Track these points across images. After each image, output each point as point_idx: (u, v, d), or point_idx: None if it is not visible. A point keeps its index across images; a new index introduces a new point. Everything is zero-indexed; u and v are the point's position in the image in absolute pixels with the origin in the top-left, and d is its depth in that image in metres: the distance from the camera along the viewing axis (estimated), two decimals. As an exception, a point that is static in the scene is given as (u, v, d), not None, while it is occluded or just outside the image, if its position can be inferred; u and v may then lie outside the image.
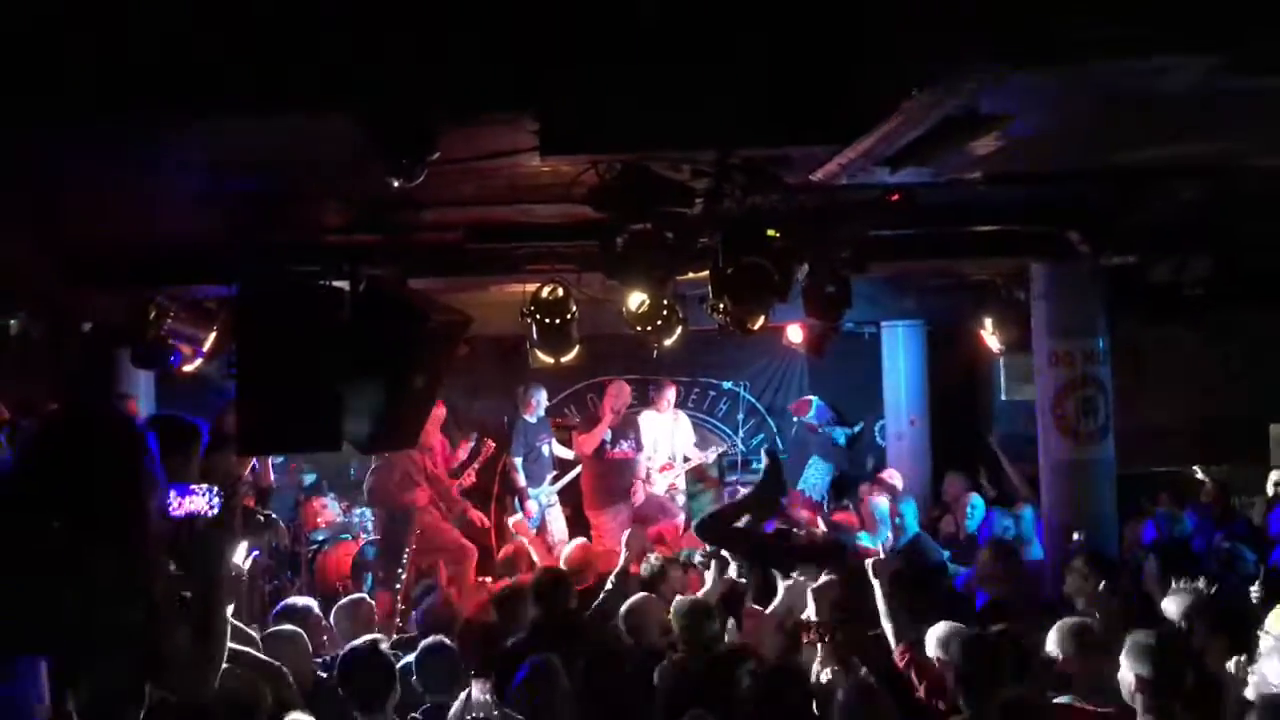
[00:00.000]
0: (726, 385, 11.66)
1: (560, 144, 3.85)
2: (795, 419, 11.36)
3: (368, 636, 4.91)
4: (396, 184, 3.55)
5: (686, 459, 10.76)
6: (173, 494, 3.08)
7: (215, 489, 3.12)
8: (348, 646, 4.90)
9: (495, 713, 4.34)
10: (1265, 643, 4.52)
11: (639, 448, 10.27)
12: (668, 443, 10.60)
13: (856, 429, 11.69)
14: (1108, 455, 7.24)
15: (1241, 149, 4.19)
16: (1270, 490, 9.22)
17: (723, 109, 3.75)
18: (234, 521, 3.10)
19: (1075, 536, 6.93)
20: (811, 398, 11.47)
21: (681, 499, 10.54)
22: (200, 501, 3.10)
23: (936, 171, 3.97)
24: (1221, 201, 6.05)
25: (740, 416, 11.56)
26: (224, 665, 3.41)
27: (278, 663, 4.41)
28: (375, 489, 8.82)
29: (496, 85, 3.48)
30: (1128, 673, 4.04)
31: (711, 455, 11.04)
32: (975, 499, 9.15)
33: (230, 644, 4.09)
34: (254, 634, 4.87)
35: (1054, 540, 7.23)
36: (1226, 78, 3.08)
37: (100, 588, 2.74)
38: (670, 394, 10.69)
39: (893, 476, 9.95)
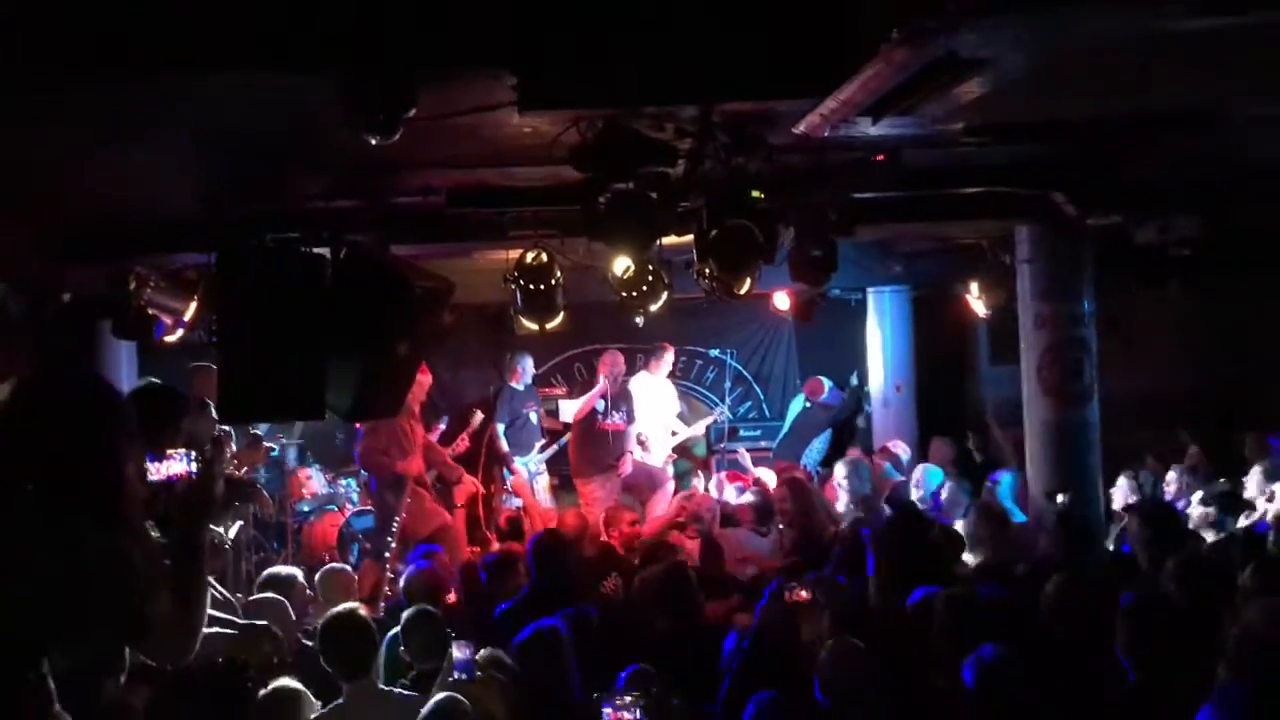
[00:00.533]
0: (713, 353, 11.63)
1: (539, 100, 3.80)
2: (808, 401, 11.33)
3: (348, 603, 4.87)
4: (374, 141, 3.49)
5: (674, 433, 10.76)
6: (150, 459, 3.05)
7: (193, 454, 3.09)
8: (328, 613, 4.89)
9: (479, 674, 4.33)
10: None
11: (630, 419, 10.26)
12: (659, 407, 10.59)
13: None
14: (1093, 418, 7.25)
15: (1224, 95, 4.13)
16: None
17: (703, 62, 3.71)
18: (213, 486, 3.04)
19: (1059, 498, 6.95)
20: (824, 379, 11.44)
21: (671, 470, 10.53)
22: (178, 466, 3.06)
23: (920, 123, 3.91)
24: (1208, 161, 6.03)
25: (727, 384, 11.54)
26: (207, 630, 3.40)
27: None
28: (366, 453, 8.75)
29: (475, 40, 3.43)
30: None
31: (701, 429, 11.03)
32: (930, 469, 9.09)
33: (213, 611, 4.10)
34: (235, 601, 4.83)
35: (1038, 501, 7.23)
36: (1198, 17, 3.02)
37: (76, 552, 2.71)
38: (669, 357, 10.67)
39: (896, 446, 9.92)
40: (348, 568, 8.23)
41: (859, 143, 5.06)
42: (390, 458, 8.39)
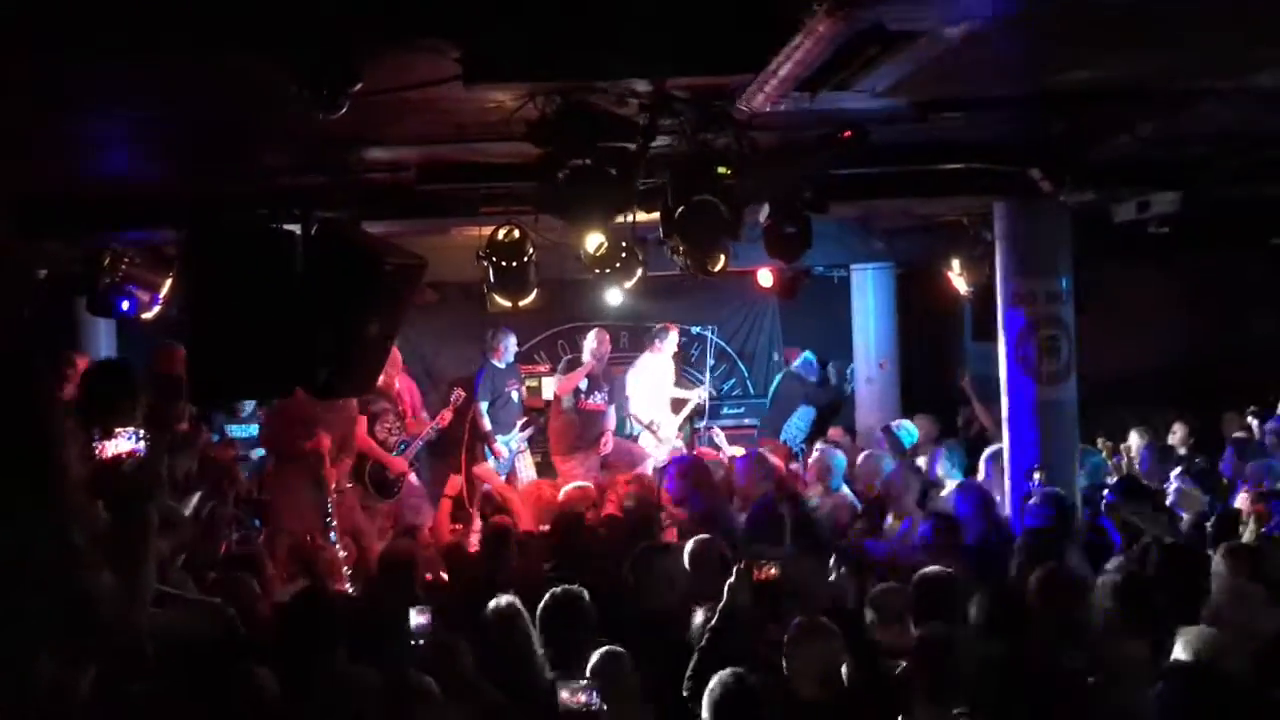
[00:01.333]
0: (695, 330, 11.63)
1: (484, 73, 3.76)
2: (785, 365, 11.40)
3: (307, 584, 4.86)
4: (323, 116, 3.46)
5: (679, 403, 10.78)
6: (97, 438, 3.03)
7: (140, 432, 3.07)
8: (292, 592, 4.88)
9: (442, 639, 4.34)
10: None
11: (610, 401, 10.25)
12: (665, 389, 10.61)
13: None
14: (1071, 396, 7.23)
15: (1183, 66, 4.08)
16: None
17: (646, 37, 3.66)
18: (159, 464, 3.02)
19: (1035, 477, 6.94)
20: (806, 352, 11.46)
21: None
22: (125, 444, 3.05)
23: (863, 96, 3.85)
24: (1183, 136, 6.00)
25: (710, 361, 11.54)
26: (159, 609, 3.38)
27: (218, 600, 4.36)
28: (268, 435, 8.59)
29: (415, 12, 3.38)
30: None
31: (697, 394, 11.01)
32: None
33: (170, 589, 4.09)
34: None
35: (1016, 480, 7.22)
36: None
37: (11, 527, 2.68)
38: (673, 336, 10.67)
39: (899, 426, 9.87)
40: (327, 545, 8.24)
41: (830, 118, 5.03)
42: (295, 435, 8.13)
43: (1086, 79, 4.14)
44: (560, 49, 3.74)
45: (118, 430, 3.00)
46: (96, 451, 2.97)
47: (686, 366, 11.81)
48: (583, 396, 10.12)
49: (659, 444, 10.38)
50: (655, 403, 10.59)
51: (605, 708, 3.66)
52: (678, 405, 10.88)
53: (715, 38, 3.74)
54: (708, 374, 11.59)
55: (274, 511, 8.25)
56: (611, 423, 10.28)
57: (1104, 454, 8.95)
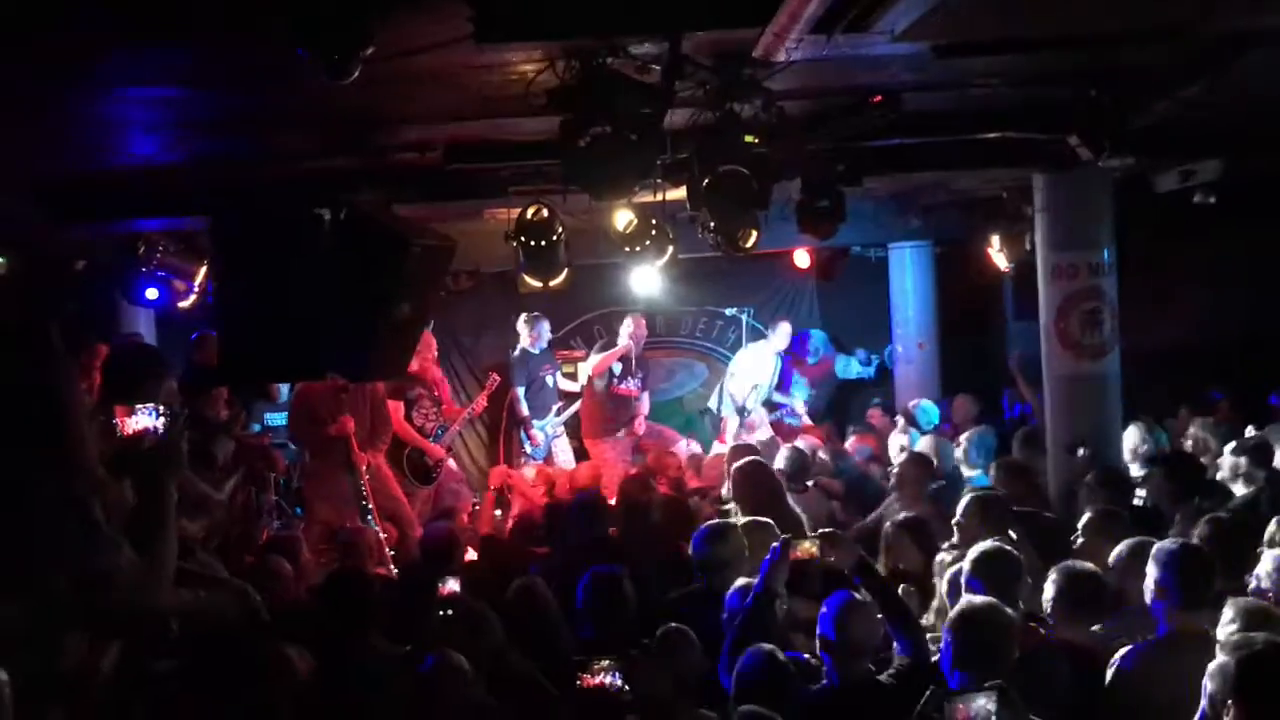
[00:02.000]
0: (729, 312, 11.52)
1: (496, 31, 3.70)
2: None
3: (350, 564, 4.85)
4: (338, 81, 3.41)
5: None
6: (118, 413, 3.00)
7: (160, 408, 3.04)
8: (327, 573, 4.87)
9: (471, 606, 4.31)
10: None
11: (643, 387, 10.24)
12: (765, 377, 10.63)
13: (873, 360, 11.52)
14: (1113, 369, 7.07)
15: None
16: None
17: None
18: (180, 441, 2.99)
19: (1080, 452, 6.80)
20: (814, 333, 11.38)
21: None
22: (146, 420, 3.02)
23: (882, 40, 3.72)
24: (1227, 101, 5.82)
25: (746, 344, 11.45)
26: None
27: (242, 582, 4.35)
28: (294, 425, 8.51)
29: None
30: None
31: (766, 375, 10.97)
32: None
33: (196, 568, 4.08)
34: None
35: (1058, 456, 7.08)
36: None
37: (31, 502, 2.67)
38: (785, 328, 10.75)
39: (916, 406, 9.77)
40: (370, 529, 8.25)
41: (858, 87, 4.93)
42: (319, 427, 8.06)
43: (1120, 10, 3.96)
44: (571, 6, 3.68)
45: (138, 406, 2.95)
46: (117, 429, 2.92)
47: (724, 349, 11.73)
48: (615, 381, 10.06)
49: (744, 430, 10.27)
50: (754, 391, 10.53)
51: (627, 689, 3.60)
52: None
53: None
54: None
55: (309, 504, 8.28)
56: (645, 408, 10.25)
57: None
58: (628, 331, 10.15)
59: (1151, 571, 4.11)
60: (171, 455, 3.00)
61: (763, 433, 9.87)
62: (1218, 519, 4.97)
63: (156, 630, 3.23)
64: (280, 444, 9.59)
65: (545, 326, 10.11)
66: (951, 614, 4.00)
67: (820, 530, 5.32)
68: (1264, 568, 4.29)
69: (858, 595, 4.48)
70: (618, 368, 10.07)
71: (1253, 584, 4.34)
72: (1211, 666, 3.24)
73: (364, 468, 7.97)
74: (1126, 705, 3.95)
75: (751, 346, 10.90)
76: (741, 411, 10.40)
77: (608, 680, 3.56)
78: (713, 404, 11.06)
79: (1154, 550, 4.20)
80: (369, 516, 8.25)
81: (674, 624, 4.46)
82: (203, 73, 4.45)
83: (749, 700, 3.97)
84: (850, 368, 11.58)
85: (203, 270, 7.94)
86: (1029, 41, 4.48)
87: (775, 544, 5.12)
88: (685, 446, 10.03)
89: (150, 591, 2.92)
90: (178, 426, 3.02)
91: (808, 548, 5.10)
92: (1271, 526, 4.99)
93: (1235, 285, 10.13)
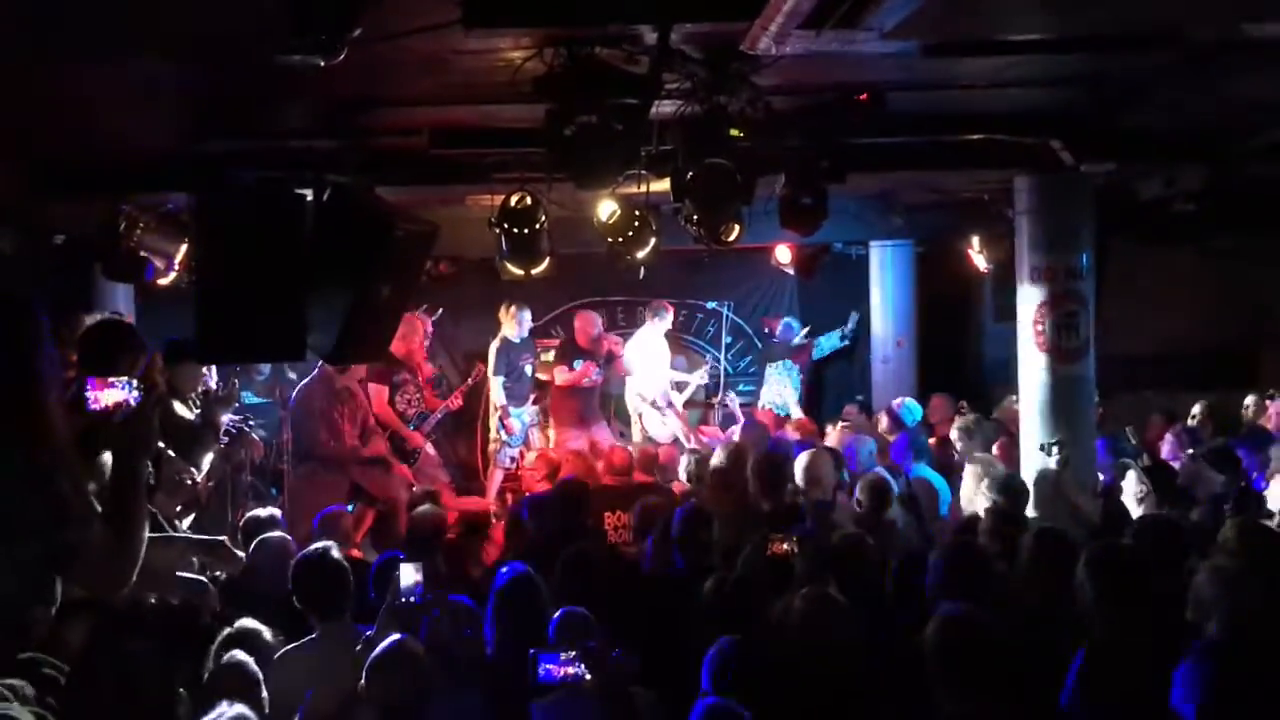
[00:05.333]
0: (710, 305, 11.56)
1: (483, 16, 3.69)
2: (767, 332, 11.41)
3: (321, 544, 4.84)
4: (320, 63, 3.39)
5: (679, 386, 10.71)
6: (91, 386, 2.98)
7: (134, 382, 3.02)
8: (300, 554, 4.86)
9: (429, 596, 4.30)
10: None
11: (603, 377, 10.30)
12: (662, 362, 10.57)
13: (850, 327, 11.46)
14: (1088, 374, 7.12)
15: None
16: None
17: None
18: (152, 415, 2.97)
19: (1054, 452, 6.84)
20: (787, 318, 11.40)
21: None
22: (119, 394, 3.00)
23: (871, 37, 3.73)
24: (1207, 107, 5.87)
25: (726, 339, 11.49)
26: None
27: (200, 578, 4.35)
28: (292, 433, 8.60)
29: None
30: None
31: (700, 377, 10.95)
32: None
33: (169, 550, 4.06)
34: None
35: (1030, 459, 7.12)
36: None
37: (-1, 478, 2.65)
38: (668, 316, 10.64)
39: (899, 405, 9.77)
40: (346, 511, 8.22)
41: (844, 84, 4.95)
42: (316, 430, 8.24)
43: (1108, 16, 3.98)
44: (560, -7, 3.68)
45: (112, 380, 2.93)
46: (90, 402, 2.90)
47: (702, 341, 11.75)
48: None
49: (663, 422, 10.29)
50: (656, 379, 10.48)
51: (590, 677, 3.61)
52: (679, 388, 10.80)
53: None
54: (722, 350, 11.54)
55: (295, 498, 8.25)
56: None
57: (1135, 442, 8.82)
58: (581, 335, 10.22)
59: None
60: (143, 429, 2.97)
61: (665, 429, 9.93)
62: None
63: (129, 607, 3.22)
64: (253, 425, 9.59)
65: (526, 315, 10.10)
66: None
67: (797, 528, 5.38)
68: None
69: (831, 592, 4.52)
70: (577, 364, 10.10)
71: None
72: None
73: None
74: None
75: (638, 337, 10.68)
76: (654, 403, 10.36)
77: (573, 670, 3.60)
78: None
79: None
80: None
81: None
82: (188, 51, 4.41)
83: (722, 692, 4.00)
84: (830, 340, 11.48)
85: (184, 247, 7.88)
86: (1016, 44, 4.50)
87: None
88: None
89: (120, 567, 2.90)
90: (151, 400, 3.00)
91: (784, 545, 5.17)
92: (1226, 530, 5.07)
93: (1214, 293, 10.22)
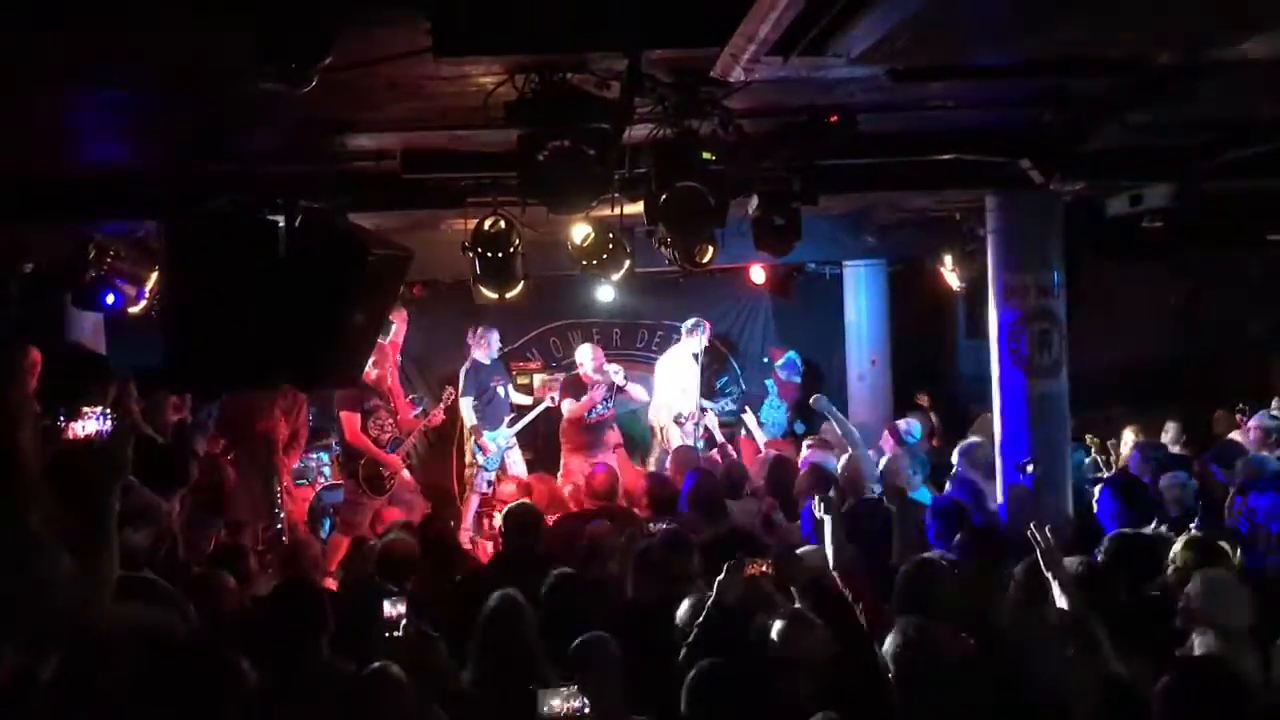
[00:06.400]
0: (686, 326, 11.52)
1: (454, 44, 3.70)
2: (767, 361, 11.39)
3: (295, 576, 4.80)
4: (294, 91, 3.38)
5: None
6: (64, 418, 2.97)
7: (109, 412, 3.01)
8: (275, 585, 4.82)
9: (413, 628, 4.28)
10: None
11: (614, 408, 10.23)
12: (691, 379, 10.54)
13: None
14: (1062, 389, 7.16)
15: (1175, 30, 3.98)
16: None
17: (619, 9, 3.61)
18: (125, 446, 2.95)
19: (1029, 469, 6.88)
20: (790, 352, 11.39)
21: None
22: (93, 425, 2.99)
23: (839, 64, 3.76)
24: (1178, 126, 5.94)
25: (703, 359, 11.48)
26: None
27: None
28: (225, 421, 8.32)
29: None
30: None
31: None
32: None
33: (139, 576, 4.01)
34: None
35: (1007, 473, 7.16)
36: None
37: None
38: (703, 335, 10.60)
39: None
40: (316, 541, 8.14)
41: (814, 106, 4.98)
42: (251, 417, 8.03)
43: (1074, 42, 4.03)
44: (530, 22, 3.68)
45: (85, 410, 2.92)
46: (63, 433, 2.88)
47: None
48: (587, 415, 10.04)
49: (684, 439, 10.26)
50: (688, 396, 10.46)
51: (589, 709, 3.61)
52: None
53: (689, 9, 3.68)
54: (700, 370, 11.51)
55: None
56: (615, 432, 10.29)
57: (1093, 451, 8.92)
58: (591, 365, 10.09)
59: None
60: (115, 460, 2.95)
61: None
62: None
63: (99, 640, 3.17)
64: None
65: (495, 337, 10.08)
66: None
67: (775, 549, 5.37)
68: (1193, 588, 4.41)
69: (806, 613, 4.52)
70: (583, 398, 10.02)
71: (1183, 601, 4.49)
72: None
73: (285, 477, 7.88)
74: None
75: (670, 352, 10.80)
76: (679, 419, 10.36)
77: (574, 705, 3.61)
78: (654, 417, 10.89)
79: None
80: (279, 523, 8.09)
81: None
82: (157, 76, 4.39)
83: (700, 714, 3.99)
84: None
85: (154, 275, 7.82)
86: (983, 69, 4.55)
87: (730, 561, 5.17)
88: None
89: (90, 601, 2.87)
90: (124, 430, 2.98)
91: (762, 566, 5.16)
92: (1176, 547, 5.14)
93: (1181, 308, 10.33)
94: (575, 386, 10.18)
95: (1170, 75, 4.63)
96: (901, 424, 9.24)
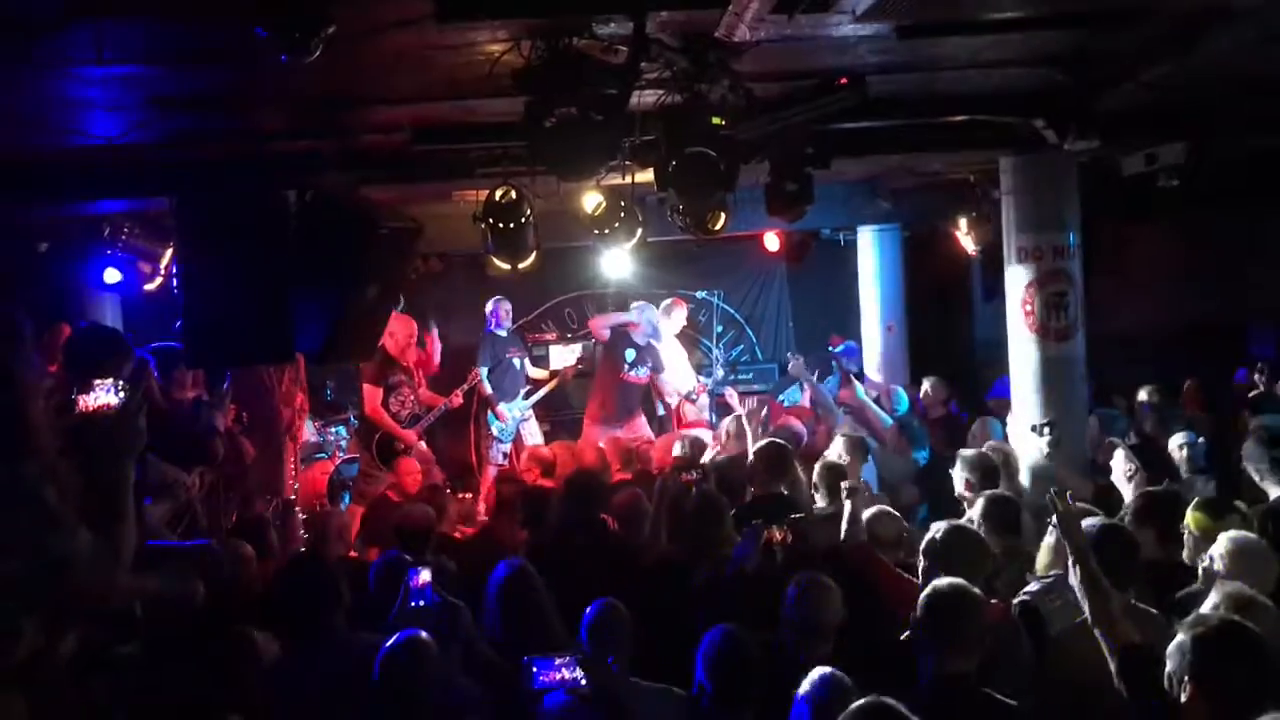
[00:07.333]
0: (700, 295, 11.55)
1: (457, 9, 3.67)
2: (829, 347, 11.28)
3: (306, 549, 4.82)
4: (299, 60, 3.37)
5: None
6: (75, 391, 2.97)
7: (119, 384, 3.01)
8: (289, 559, 4.84)
9: (438, 598, 4.30)
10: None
11: (656, 372, 10.08)
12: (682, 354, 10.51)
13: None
14: (1079, 353, 7.11)
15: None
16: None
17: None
18: (137, 418, 2.95)
19: (1045, 434, 6.84)
20: (849, 341, 11.31)
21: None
22: (104, 397, 2.99)
23: (844, 21, 3.71)
24: (1192, 84, 5.86)
25: (718, 328, 11.49)
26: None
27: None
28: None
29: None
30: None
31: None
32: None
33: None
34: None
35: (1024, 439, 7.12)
36: None
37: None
38: (680, 313, 10.43)
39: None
40: (340, 511, 8.16)
41: (824, 70, 4.93)
42: (264, 397, 7.82)
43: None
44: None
45: (97, 383, 2.91)
46: (76, 405, 2.88)
47: (695, 333, 11.74)
48: (626, 368, 9.85)
49: (699, 410, 10.23)
50: (684, 373, 10.40)
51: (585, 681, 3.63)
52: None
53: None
54: (714, 339, 11.52)
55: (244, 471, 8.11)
56: (669, 387, 10.19)
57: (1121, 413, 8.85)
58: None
59: None
60: (129, 432, 2.95)
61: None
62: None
63: (118, 614, 3.20)
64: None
65: (507, 308, 10.07)
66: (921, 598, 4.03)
67: (792, 515, 5.36)
68: (1218, 549, 4.37)
69: (822, 577, 4.52)
70: (631, 354, 9.89)
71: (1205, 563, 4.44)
72: (1170, 646, 3.27)
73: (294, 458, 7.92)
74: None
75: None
76: (690, 397, 10.29)
77: (566, 674, 3.62)
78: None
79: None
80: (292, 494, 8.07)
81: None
82: (165, 50, 4.39)
83: (715, 679, 4.00)
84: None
85: (168, 253, 7.85)
86: (990, 23, 4.49)
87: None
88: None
89: (109, 574, 2.88)
90: (136, 401, 2.98)
91: (778, 534, 5.16)
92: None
93: (1200, 269, 10.24)
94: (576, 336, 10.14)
95: (1185, 27, 4.56)
96: (879, 391, 9.17)
